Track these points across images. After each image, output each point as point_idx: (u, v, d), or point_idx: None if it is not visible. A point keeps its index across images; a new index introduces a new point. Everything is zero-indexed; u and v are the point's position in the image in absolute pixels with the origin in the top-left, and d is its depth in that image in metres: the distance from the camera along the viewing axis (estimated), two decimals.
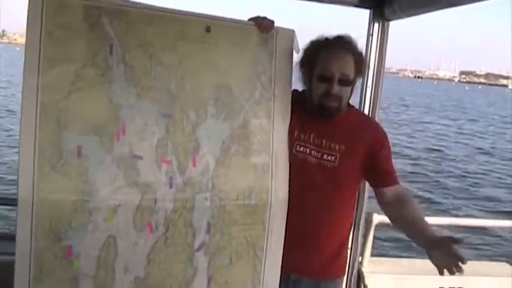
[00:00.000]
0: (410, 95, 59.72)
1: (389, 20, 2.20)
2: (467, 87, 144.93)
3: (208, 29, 1.69)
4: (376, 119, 2.21)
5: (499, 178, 13.76)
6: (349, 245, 2.11)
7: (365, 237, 2.50)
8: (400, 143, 17.58)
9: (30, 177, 1.50)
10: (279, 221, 1.80)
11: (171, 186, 1.66)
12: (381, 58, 2.23)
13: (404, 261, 2.88)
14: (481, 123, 31.30)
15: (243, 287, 1.80)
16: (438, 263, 1.49)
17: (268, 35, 1.76)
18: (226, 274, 1.77)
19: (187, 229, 1.70)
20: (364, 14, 2.25)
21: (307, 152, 1.79)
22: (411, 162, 15.05)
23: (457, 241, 1.44)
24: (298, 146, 1.80)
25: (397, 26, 2.35)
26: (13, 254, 1.55)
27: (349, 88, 1.73)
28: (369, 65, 2.18)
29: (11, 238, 1.66)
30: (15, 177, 1.55)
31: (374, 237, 2.58)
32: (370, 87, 2.24)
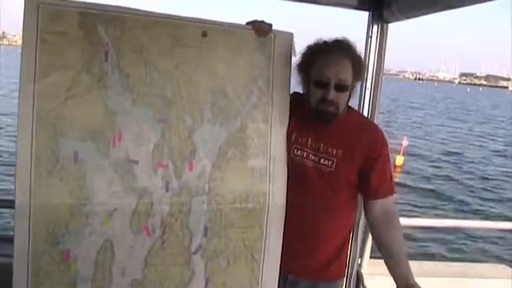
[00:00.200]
0: (415, 97, 59.93)
1: (388, 22, 2.19)
2: (468, 89, 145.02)
3: (204, 34, 1.69)
4: (375, 121, 2.20)
5: None
6: (349, 247, 2.10)
7: (364, 239, 2.50)
8: (417, 145, 17.77)
9: (27, 182, 1.53)
10: (276, 224, 1.80)
11: (167, 190, 1.67)
12: (380, 60, 2.23)
13: None
14: (490, 125, 31.57)
15: None
16: None
17: (266, 39, 1.76)
18: (223, 277, 1.78)
19: (184, 232, 1.71)
20: (365, 15, 2.25)
21: (305, 155, 1.78)
22: (431, 164, 15.32)
23: None
24: (295, 150, 1.80)
25: (396, 28, 2.34)
26: (11, 256, 1.57)
27: (346, 93, 1.71)
28: (368, 67, 2.17)
29: (9, 240, 1.67)
30: None
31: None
32: (369, 89, 2.23)
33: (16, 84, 1.63)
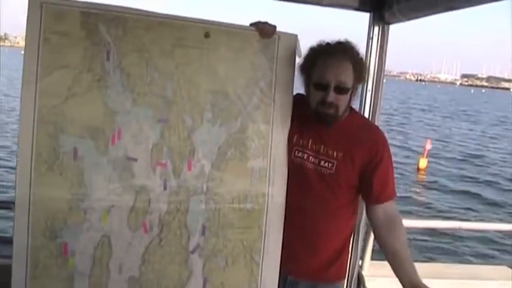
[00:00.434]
0: (420, 98, 59.84)
1: (389, 23, 2.19)
2: (472, 91, 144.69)
3: (207, 35, 1.69)
4: (377, 123, 2.19)
5: None
6: (350, 249, 2.10)
7: (365, 240, 2.49)
8: (437, 147, 17.82)
9: (27, 176, 1.56)
10: (276, 225, 1.80)
11: (165, 189, 1.69)
12: (381, 61, 2.22)
13: None
14: (502, 127, 31.36)
15: None
16: None
17: (270, 40, 1.76)
18: (222, 277, 1.78)
19: (182, 231, 1.72)
20: (366, 16, 2.24)
21: (305, 157, 1.78)
22: (457, 166, 15.36)
23: None
24: (296, 152, 1.80)
25: (397, 29, 2.33)
26: (10, 257, 1.60)
27: (346, 95, 1.70)
28: (369, 68, 2.16)
29: (7, 241, 1.69)
30: None
31: (374, 241, 2.57)
32: (371, 90, 2.23)
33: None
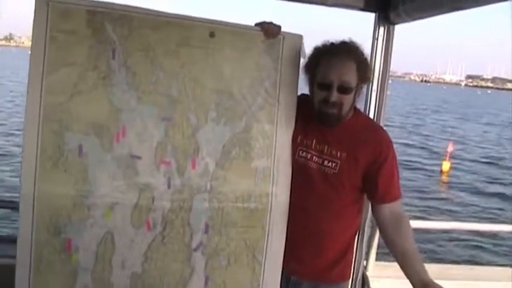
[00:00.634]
0: (430, 100, 59.57)
1: (394, 23, 2.19)
2: (479, 92, 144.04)
3: (212, 34, 1.70)
4: (381, 123, 2.19)
5: None
6: (354, 249, 2.09)
7: (370, 241, 2.48)
8: (458, 149, 17.80)
9: (32, 173, 1.58)
10: (279, 225, 1.80)
11: (169, 187, 1.70)
12: (386, 62, 2.22)
13: None
14: None
15: None
16: None
17: (274, 41, 1.76)
18: (224, 275, 1.79)
19: (185, 229, 1.73)
20: (371, 17, 2.24)
21: (309, 157, 1.78)
22: (481, 168, 15.44)
23: None
24: (300, 152, 1.80)
25: (402, 29, 2.32)
26: (14, 257, 1.62)
27: (350, 95, 1.69)
28: (374, 69, 2.16)
29: (11, 241, 1.71)
30: None
31: (379, 241, 2.56)
32: (376, 91, 2.23)
33: None
